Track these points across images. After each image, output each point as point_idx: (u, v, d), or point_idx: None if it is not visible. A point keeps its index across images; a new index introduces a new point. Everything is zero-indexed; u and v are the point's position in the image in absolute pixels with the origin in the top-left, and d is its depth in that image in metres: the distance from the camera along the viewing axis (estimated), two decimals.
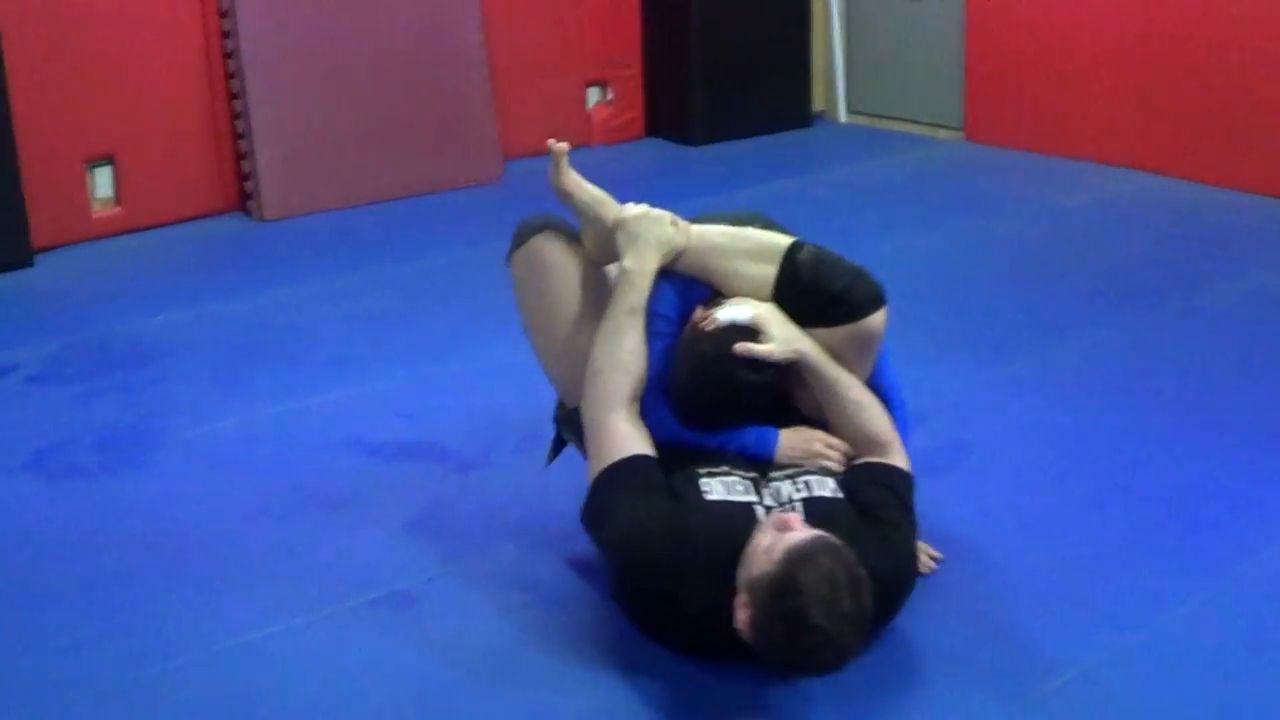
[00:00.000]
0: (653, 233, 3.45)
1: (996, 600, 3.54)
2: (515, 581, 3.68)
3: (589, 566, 3.62)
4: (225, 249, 6.80)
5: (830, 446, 3.45)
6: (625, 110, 8.59)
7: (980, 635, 3.37)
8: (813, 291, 3.38)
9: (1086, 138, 7.78)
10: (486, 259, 5.47)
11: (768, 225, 3.64)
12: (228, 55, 7.03)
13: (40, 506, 4.19)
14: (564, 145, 3.57)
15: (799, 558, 2.88)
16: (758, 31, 8.53)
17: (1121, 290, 5.82)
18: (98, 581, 3.73)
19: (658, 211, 3.50)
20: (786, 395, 3.48)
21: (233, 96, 7.08)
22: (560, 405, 3.72)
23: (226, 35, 7.00)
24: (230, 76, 7.05)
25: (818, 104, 9.12)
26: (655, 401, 3.43)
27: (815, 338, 3.39)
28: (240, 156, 7.16)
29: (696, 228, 3.52)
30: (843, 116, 9.17)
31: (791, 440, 3.46)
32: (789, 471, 3.35)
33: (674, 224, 3.48)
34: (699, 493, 3.24)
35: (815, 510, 3.18)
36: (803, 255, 3.41)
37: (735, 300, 3.41)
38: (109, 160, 6.83)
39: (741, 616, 2.98)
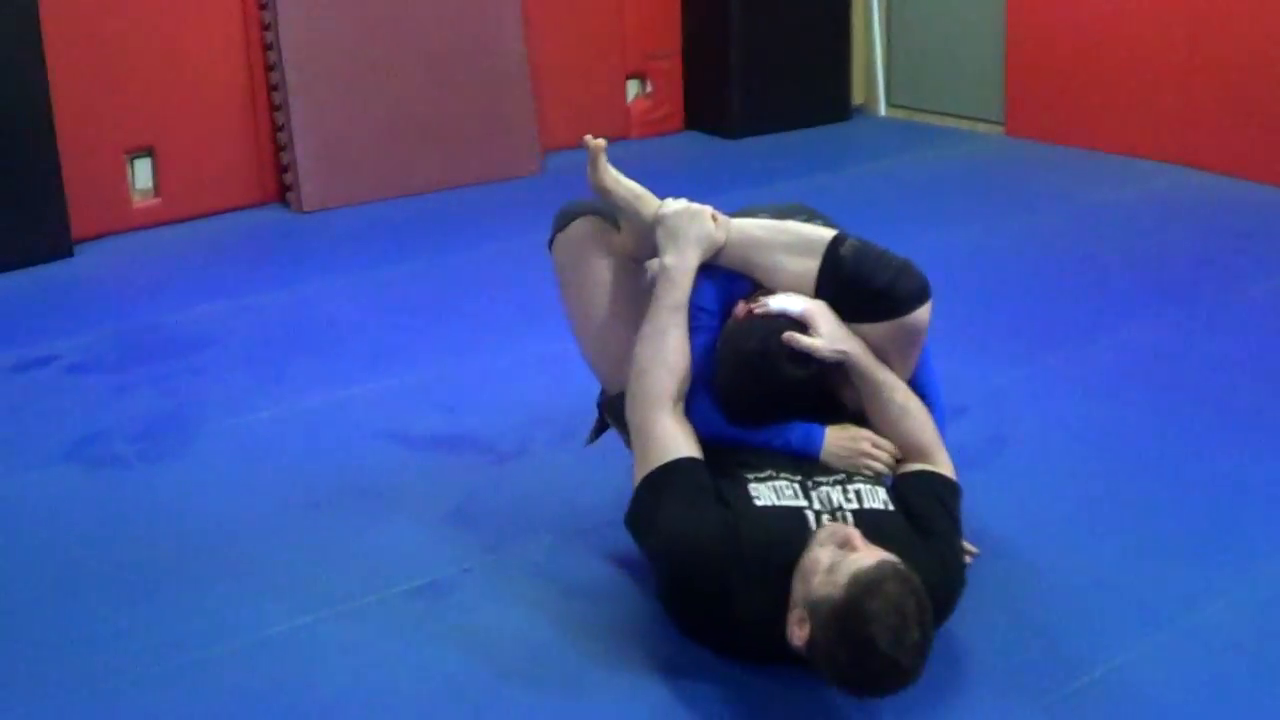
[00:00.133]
0: (693, 228, 3.41)
1: (1030, 595, 3.53)
2: (552, 573, 3.68)
3: (626, 558, 3.60)
4: (264, 241, 6.81)
5: (878, 446, 3.38)
6: (664, 103, 8.58)
7: (1013, 630, 3.36)
8: (855, 286, 3.32)
9: (1127, 132, 7.74)
10: (525, 252, 5.49)
11: (811, 216, 3.62)
12: (267, 47, 7.04)
13: (78, 496, 4.20)
14: (601, 142, 3.51)
15: (867, 584, 2.83)
16: (797, 24, 8.50)
17: (1162, 286, 5.78)
18: (133, 571, 3.74)
19: (697, 206, 3.46)
20: (832, 393, 3.44)
21: (272, 88, 7.09)
22: (603, 391, 3.71)
23: (266, 27, 7.01)
24: (270, 68, 7.06)
25: (857, 97, 9.09)
26: (698, 396, 3.39)
27: (858, 333, 3.34)
28: (279, 148, 7.18)
29: (736, 222, 3.48)
30: (882, 110, 9.14)
31: (838, 439, 3.39)
32: (838, 477, 3.29)
33: (714, 219, 3.45)
34: (748, 498, 3.18)
35: (867, 523, 3.12)
36: (845, 249, 3.35)
37: (786, 294, 3.36)
38: (149, 152, 6.84)
39: (799, 633, 2.95)
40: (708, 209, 3.46)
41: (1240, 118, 7.25)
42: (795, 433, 3.39)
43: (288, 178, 7.17)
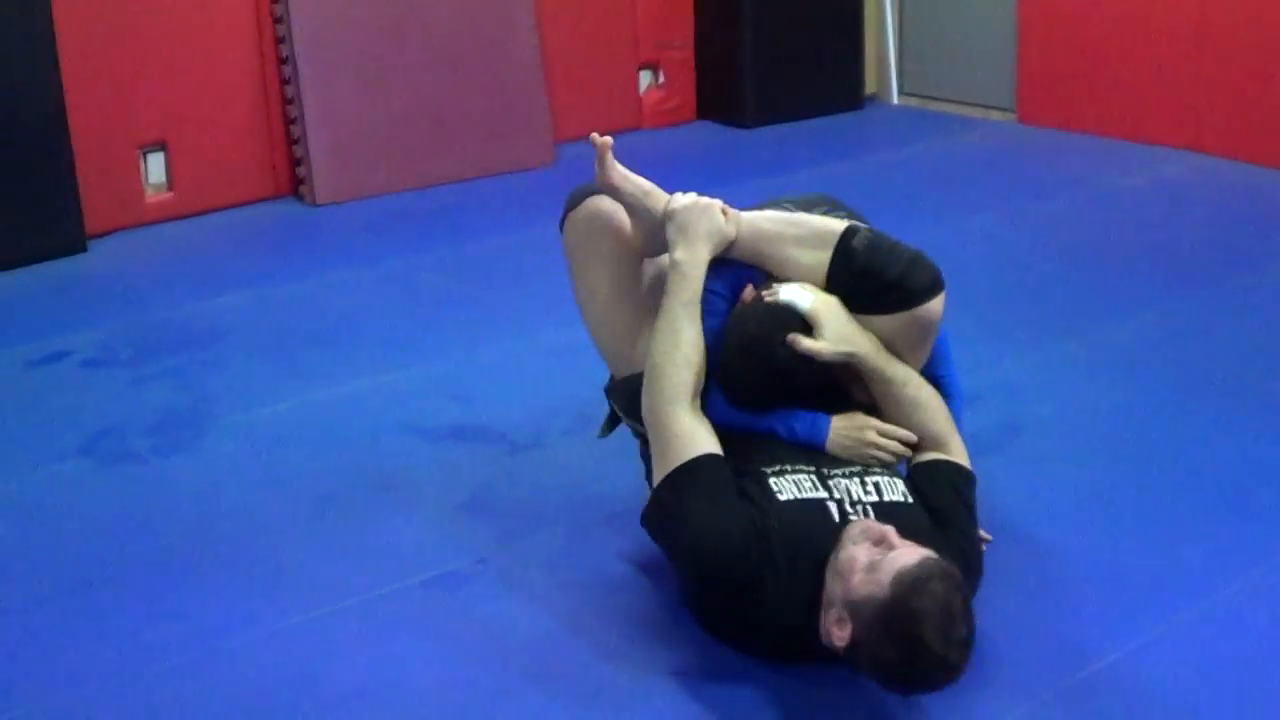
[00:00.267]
0: (703, 223, 3.38)
1: (1044, 580, 3.54)
2: (566, 564, 3.68)
3: (641, 549, 3.60)
4: (277, 234, 6.82)
5: (883, 434, 3.35)
6: (676, 93, 8.57)
7: (1027, 615, 3.36)
8: (867, 278, 3.29)
9: (1140, 119, 7.73)
10: (537, 243, 5.50)
11: (835, 207, 3.60)
12: (280, 40, 7.05)
13: (93, 490, 4.21)
14: (608, 139, 3.46)
15: (913, 583, 2.83)
16: (809, 13, 8.50)
17: (1175, 272, 5.78)
18: (148, 565, 3.76)
19: (706, 200, 3.42)
20: (837, 380, 3.42)
21: (285, 81, 7.10)
22: (611, 376, 3.69)
23: (278, 20, 7.02)
24: (283, 61, 7.07)
25: (870, 86, 9.08)
26: (709, 382, 3.37)
27: (870, 325, 3.31)
28: (292, 141, 7.18)
29: (747, 215, 3.46)
30: (895, 98, 9.13)
31: (843, 428, 3.36)
32: (854, 469, 3.28)
33: (724, 213, 3.41)
34: (772, 493, 3.16)
35: (888, 516, 3.11)
36: (857, 241, 3.31)
37: (801, 284, 3.33)
38: (161, 146, 6.85)
39: (838, 633, 2.94)
40: (717, 203, 3.43)
41: (1251, 103, 7.24)
42: (801, 422, 3.37)
43: (301, 171, 7.18)
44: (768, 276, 3.42)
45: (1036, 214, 6.67)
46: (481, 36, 7.50)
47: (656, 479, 3.26)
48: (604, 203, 3.58)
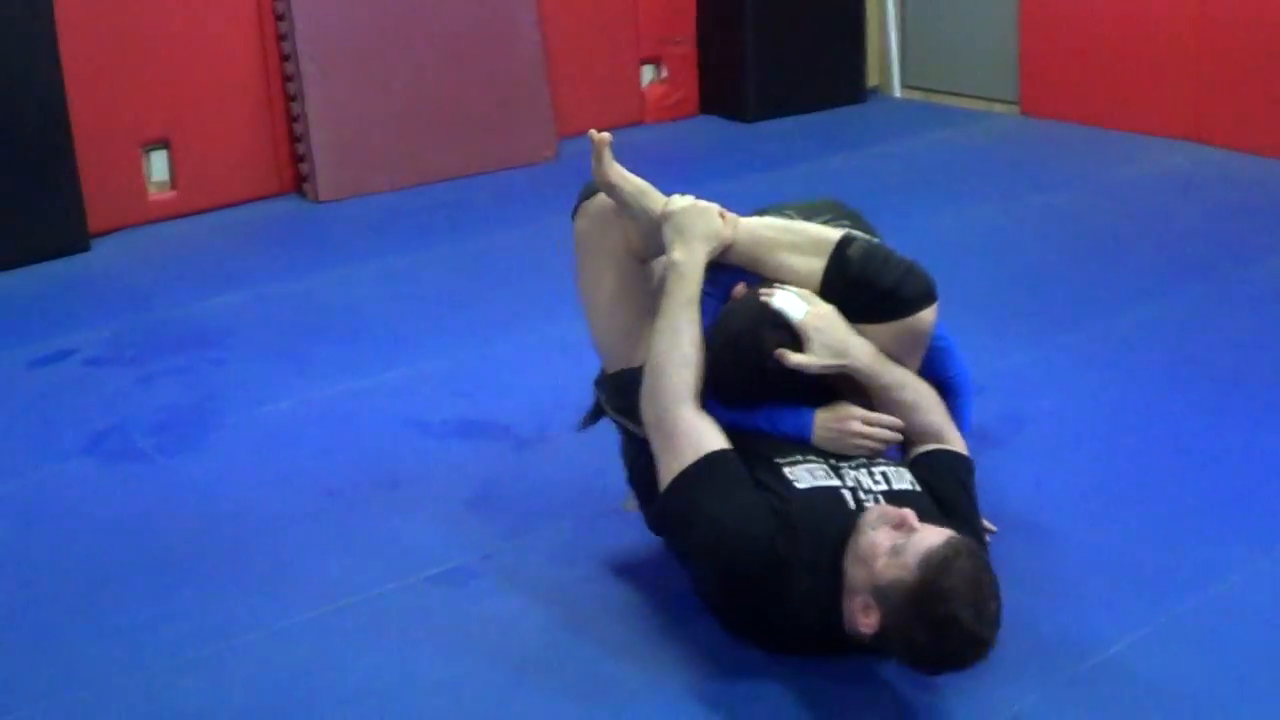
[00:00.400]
0: (700, 225, 3.37)
1: (1047, 571, 3.54)
2: (572, 559, 3.68)
3: (647, 544, 3.61)
4: (281, 231, 6.82)
5: (869, 423, 3.33)
6: (679, 88, 8.56)
7: (1030, 606, 3.34)
8: (861, 287, 3.29)
9: (1143, 111, 7.72)
10: (541, 238, 5.50)
11: (838, 215, 3.59)
12: (282, 37, 7.04)
13: (98, 489, 4.22)
14: (606, 136, 3.44)
15: (940, 563, 2.83)
16: (811, 7, 8.48)
17: (1179, 263, 5.78)
18: (154, 563, 3.76)
19: (704, 203, 3.41)
20: (832, 385, 3.38)
21: (287, 79, 7.10)
22: (602, 370, 3.66)
23: (280, 18, 7.02)
24: (285, 58, 7.07)
25: (872, 79, 9.07)
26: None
27: (864, 333, 3.30)
28: (295, 139, 7.18)
29: (745, 220, 3.45)
30: (897, 91, 9.12)
31: (827, 421, 3.33)
32: (859, 460, 3.28)
33: (722, 216, 3.41)
34: (789, 482, 3.16)
35: (898, 504, 3.10)
36: (852, 250, 3.32)
37: (798, 291, 3.32)
38: (164, 144, 6.85)
39: (865, 620, 2.94)
40: (715, 206, 3.42)
41: (1254, 94, 7.23)
42: (787, 421, 3.35)
43: (304, 168, 7.17)
44: (762, 282, 3.41)
45: (1039, 206, 6.66)
46: (484, 32, 7.49)
47: (663, 481, 3.23)
48: None
